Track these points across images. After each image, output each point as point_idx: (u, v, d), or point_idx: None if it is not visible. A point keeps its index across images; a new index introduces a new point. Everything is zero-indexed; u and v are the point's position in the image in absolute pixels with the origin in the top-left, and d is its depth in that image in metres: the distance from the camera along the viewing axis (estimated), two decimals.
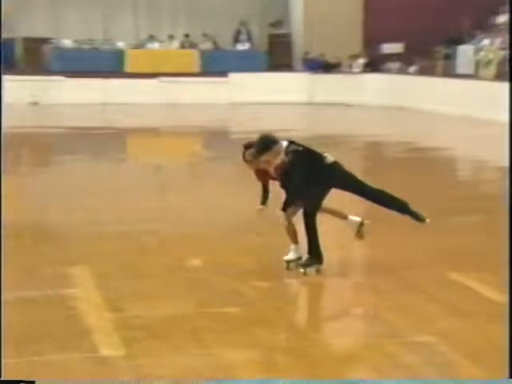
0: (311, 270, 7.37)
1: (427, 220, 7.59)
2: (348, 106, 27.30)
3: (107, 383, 4.96)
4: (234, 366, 5.44)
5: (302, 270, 7.38)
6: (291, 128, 20.33)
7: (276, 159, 7.35)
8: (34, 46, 27.65)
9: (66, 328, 6.10)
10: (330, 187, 7.47)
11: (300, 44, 30.49)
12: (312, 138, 20.36)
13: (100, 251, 8.37)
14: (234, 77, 28.22)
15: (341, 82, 28.50)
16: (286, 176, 7.45)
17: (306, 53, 30.19)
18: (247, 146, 7.51)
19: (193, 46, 29.81)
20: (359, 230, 7.82)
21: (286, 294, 7.22)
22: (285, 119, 24.46)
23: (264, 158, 7.30)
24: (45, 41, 28.02)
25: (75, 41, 28.59)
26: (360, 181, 7.57)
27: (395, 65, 28.70)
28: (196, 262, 7.88)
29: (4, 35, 28.06)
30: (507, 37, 22.80)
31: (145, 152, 18.70)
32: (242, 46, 30.32)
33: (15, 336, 5.89)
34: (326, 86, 28.42)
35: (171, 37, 29.83)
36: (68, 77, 26.57)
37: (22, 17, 28.69)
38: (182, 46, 29.86)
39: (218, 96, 27.55)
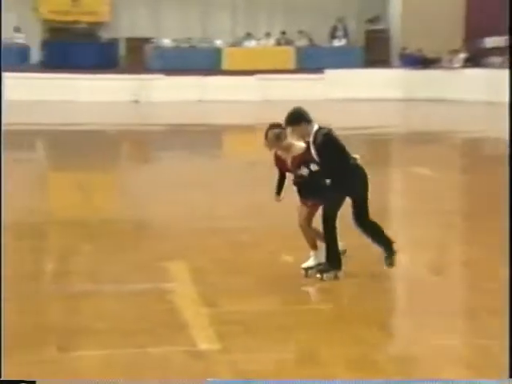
0: (329, 275, 7.06)
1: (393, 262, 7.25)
2: (447, 101, 26.84)
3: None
4: (328, 363, 5.43)
5: (318, 276, 7.06)
6: (388, 124, 20.14)
7: (297, 146, 7.08)
8: (136, 45, 28.19)
9: (164, 321, 6.21)
10: (349, 190, 7.05)
11: (397, 39, 30.16)
12: (409, 135, 20.14)
13: (196, 246, 8.50)
14: (329, 73, 28.13)
15: (440, 77, 28.04)
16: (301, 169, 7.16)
17: (404, 48, 29.83)
18: (273, 126, 7.26)
19: (289, 43, 29.86)
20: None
21: (378, 292, 7.15)
22: (381, 116, 24.24)
23: (286, 141, 7.05)
24: (146, 40, 28.55)
25: (174, 40, 29.03)
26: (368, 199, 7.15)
27: (498, 59, 27.94)
28: (289, 258, 7.89)
29: (108, 35, 28.80)
30: None
31: (240, 149, 18.83)
32: (339, 42, 30.20)
33: (117, 327, 6.04)
34: (424, 82, 28.02)
35: (268, 34, 29.95)
36: (167, 75, 26.98)
37: (125, 17, 29.30)
38: (278, 43, 29.95)
39: (314, 92, 27.49)
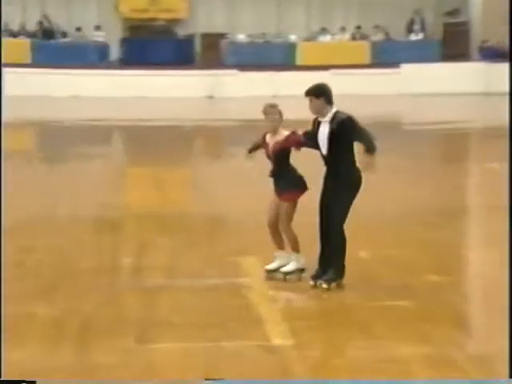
0: (334, 285, 6.76)
1: None
2: None
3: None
4: (405, 360, 5.38)
5: (325, 286, 6.73)
6: (466, 119, 19.82)
7: (282, 132, 6.96)
8: (212, 41, 28.37)
9: (238, 316, 6.25)
10: (358, 188, 6.76)
11: (477, 32, 29.61)
12: (487, 130, 19.77)
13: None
14: (406, 67, 27.82)
15: None
16: (279, 159, 6.98)
17: (484, 41, 29.27)
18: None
19: (364, 37, 29.64)
20: (296, 273, 7.08)
21: (458, 289, 7.05)
22: (459, 110, 23.86)
23: (279, 119, 6.95)
24: (221, 36, 28.71)
25: (249, 35, 29.12)
26: None
27: None
28: (364, 253, 7.85)
29: (184, 32, 29.10)
30: None
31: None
32: (416, 36, 29.82)
33: (192, 321, 6.11)
34: (505, 76, 27.42)
35: (343, 29, 29.80)
36: (241, 70, 27.08)
37: (202, 14, 29.52)
38: (354, 38, 29.76)
39: (389, 87, 27.24)
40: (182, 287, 6.91)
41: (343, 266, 6.79)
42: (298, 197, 7.11)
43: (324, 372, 5.28)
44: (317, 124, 6.80)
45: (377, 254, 7.84)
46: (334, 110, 6.75)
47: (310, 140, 6.89)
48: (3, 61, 25.06)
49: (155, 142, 17.74)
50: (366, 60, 28.62)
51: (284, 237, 7.11)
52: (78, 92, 24.94)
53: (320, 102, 6.72)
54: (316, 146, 6.85)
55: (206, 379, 4.89)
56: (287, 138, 7.05)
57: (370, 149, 6.60)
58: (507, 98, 26.05)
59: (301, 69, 27.75)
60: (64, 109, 23.25)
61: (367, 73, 27.69)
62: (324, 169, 6.84)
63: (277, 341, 5.80)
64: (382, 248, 7.80)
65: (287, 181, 7.09)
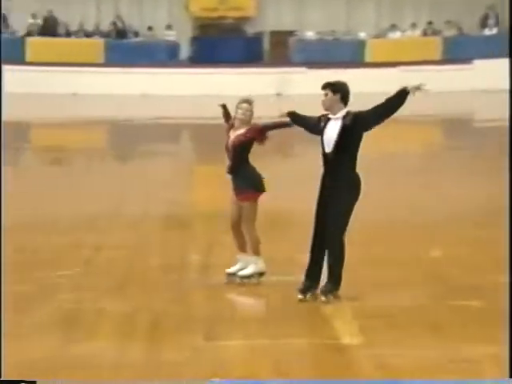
0: (332, 297, 6.44)
1: None
2: None
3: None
4: (477, 360, 5.27)
5: (323, 299, 6.39)
6: None
7: (245, 126, 6.85)
8: (280, 39, 28.38)
9: (307, 314, 6.23)
10: (358, 194, 6.55)
11: None
12: None
13: None
14: (479, 63, 27.33)
15: None
16: (238, 152, 6.86)
17: None
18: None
19: (436, 33, 29.22)
20: (255, 276, 6.93)
21: None
22: None
23: (248, 114, 6.81)
24: (290, 34, 28.69)
25: (318, 32, 29.03)
26: None
27: None
28: (433, 253, 7.74)
29: (253, 30, 29.19)
30: None
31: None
32: (490, 31, 29.27)
33: (260, 319, 6.10)
34: None
35: (414, 25, 29.44)
36: (309, 68, 27.02)
37: (271, 12, 29.56)
38: (425, 34, 29.37)
39: (461, 83, 26.80)
40: (248, 285, 6.90)
41: (341, 277, 6.47)
42: (257, 197, 6.94)
43: (392, 371, 5.21)
44: (324, 121, 6.56)
45: (447, 254, 7.72)
46: (346, 109, 6.57)
47: (308, 126, 6.77)
48: (77, 60, 25.55)
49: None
50: (438, 56, 28.21)
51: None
52: (147, 91, 25.23)
53: (335, 98, 6.55)
54: (307, 127, 6.79)
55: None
56: (247, 130, 6.93)
57: (400, 93, 6.52)
58: None
59: (369, 66, 27.55)
60: (134, 107, 23.54)
61: (438, 69, 27.28)
62: (322, 170, 6.56)
63: (346, 339, 5.75)
64: (453, 247, 7.68)
65: (245, 179, 6.90)
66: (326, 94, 6.55)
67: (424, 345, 5.56)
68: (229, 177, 6.96)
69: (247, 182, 6.88)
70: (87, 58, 26.28)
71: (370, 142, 18.48)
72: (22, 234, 8.66)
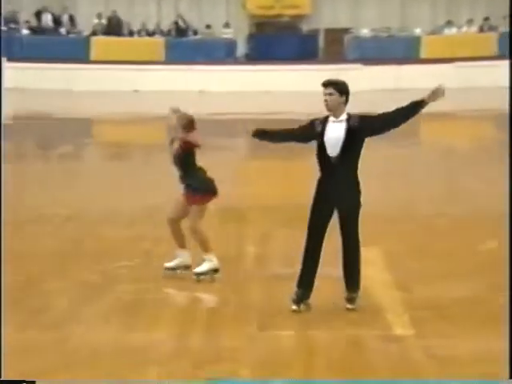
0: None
1: None
2: None
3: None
4: None
5: (351, 307, 6.07)
6: None
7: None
8: (335, 36, 28.25)
9: (360, 305, 6.19)
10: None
11: None
12: None
13: (391, 232, 8.42)
14: None
15: None
16: (182, 161, 6.81)
17: None
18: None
19: (493, 29, 28.74)
20: (209, 273, 6.85)
21: None
22: None
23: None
24: (345, 31, 28.55)
25: (372, 29, 28.83)
26: None
27: None
28: (487, 245, 7.63)
29: (308, 27, 29.11)
30: None
31: (439, 136, 18.42)
32: None
33: (313, 310, 6.10)
34: None
35: (470, 21, 29.01)
36: (364, 64, 26.83)
37: (326, 10, 29.44)
38: (481, 30, 28.91)
39: None
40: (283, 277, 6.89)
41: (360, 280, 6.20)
42: (206, 201, 6.95)
43: (448, 362, 5.17)
44: (321, 125, 6.04)
45: (499, 245, 7.61)
46: (345, 111, 6.09)
47: (295, 137, 6.34)
48: (139, 58, 25.80)
49: None
50: (494, 52, 27.75)
51: (195, 238, 6.91)
52: (206, 87, 25.34)
53: (342, 100, 6.01)
54: (294, 138, 6.37)
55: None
56: (181, 139, 6.91)
57: (415, 104, 6.13)
58: None
59: (424, 62, 27.24)
60: (192, 103, 23.68)
61: (493, 65, 26.85)
62: (320, 174, 6.12)
63: (398, 330, 5.73)
64: (505, 239, 7.54)
65: (193, 184, 6.92)
66: (331, 94, 6.00)
67: (474, 336, 5.51)
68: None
69: (195, 186, 6.92)
70: (148, 56, 26.53)
71: (428, 136, 18.29)
72: (84, 226, 8.80)
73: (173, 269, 6.98)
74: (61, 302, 6.43)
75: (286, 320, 5.89)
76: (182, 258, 6.99)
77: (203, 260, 6.92)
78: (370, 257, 7.51)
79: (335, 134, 5.96)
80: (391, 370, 5.11)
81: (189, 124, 6.99)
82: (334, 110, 6.01)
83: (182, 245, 7.00)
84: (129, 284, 6.79)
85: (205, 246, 6.89)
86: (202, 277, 6.86)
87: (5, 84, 23.63)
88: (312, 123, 6.09)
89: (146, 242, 8.13)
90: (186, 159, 6.96)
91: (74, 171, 12.92)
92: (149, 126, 19.84)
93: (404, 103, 6.13)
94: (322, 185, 6.05)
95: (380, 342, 5.54)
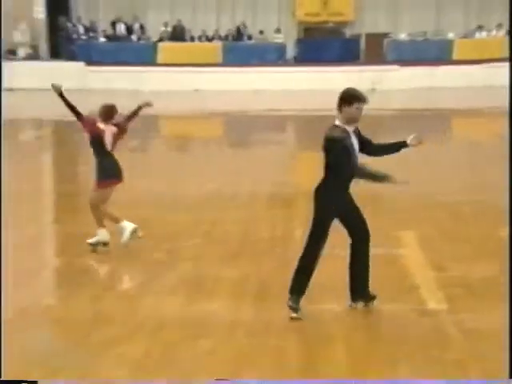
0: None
1: None
2: None
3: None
4: None
5: (372, 304, 5.58)
6: None
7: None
8: (375, 40, 28.06)
9: (396, 283, 6.16)
10: None
11: None
12: None
13: (424, 218, 8.34)
14: None
15: None
16: (92, 147, 6.85)
17: None
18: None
19: None
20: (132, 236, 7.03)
21: None
22: None
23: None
24: (384, 35, 28.36)
25: (409, 34, 28.58)
26: None
27: None
28: (503, 232, 7.49)
29: (351, 32, 28.93)
30: None
31: (468, 131, 18.13)
32: None
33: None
34: None
35: (499, 25, 28.46)
36: (402, 65, 26.57)
37: (367, 16, 29.24)
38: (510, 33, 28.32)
39: None
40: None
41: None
42: (109, 185, 7.00)
43: (478, 335, 5.10)
44: (349, 139, 5.38)
45: None
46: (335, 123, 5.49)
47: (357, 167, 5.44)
48: (199, 61, 25.90)
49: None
50: None
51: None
52: (259, 87, 25.35)
53: (343, 111, 5.37)
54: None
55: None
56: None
57: (398, 145, 5.60)
58: None
59: (456, 63, 26.89)
60: (247, 101, 23.69)
61: None
62: (344, 185, 5.52)
63: (432, 305, 5.67)
64: None
65: (99, 170, 7.01)
66: (362, 108, 5.39)
67: (501, 311, 5.42)
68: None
69: (101, 172, 7.01)
70: (208, 59, 26.65)
71: (458, 131, 17.96)
72: (151, 211, 8.88)
73: (94, 245, 7.09)
74: (130, 277, 6.51)
75: (328, 295, 5.86)
76: (100, 235, 7.11)
77: (96, 234, 7.09)
78: (406, 240, 7.47)
79: (355, 143, 5.46)
80: (425, 340, 5.06)
81: (105, 113, 7.03)
82: (350, 122, 5.40)
83: (100, 224, 7.12)
84: (190, 261, 6.83)
85: (114, 219, 7.09)
86: (92, 247, 7.04)
87: (88, 85, 24.10)
88: (347, 146, 5.36)
89: (205, 224, 8.18)
90: (94, 146, 7.06)
91: (142, 162, 13.03)
92: (207, 121, 19.92)
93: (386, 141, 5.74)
94: (344, 194, 5.48)
95: (415, 315, 5.49)
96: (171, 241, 7.49)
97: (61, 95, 6.98)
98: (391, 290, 5.96)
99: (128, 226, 7.06)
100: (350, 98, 5.36)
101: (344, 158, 5.31)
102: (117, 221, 7.09)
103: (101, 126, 7.00)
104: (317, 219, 5.46)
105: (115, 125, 7.06)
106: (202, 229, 7.98)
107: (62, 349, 5.02)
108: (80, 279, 6.38)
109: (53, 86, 6.99)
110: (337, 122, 5.41)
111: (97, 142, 7.02)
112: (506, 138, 12.35)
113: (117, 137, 7.06)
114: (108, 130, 7.00)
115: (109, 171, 7.02)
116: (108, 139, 7.00)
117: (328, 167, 5.42)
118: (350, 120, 5.36)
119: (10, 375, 4.52)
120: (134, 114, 7.34)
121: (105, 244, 7.12)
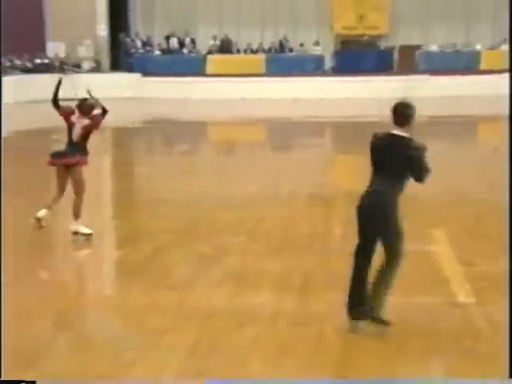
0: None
1: None
2: None
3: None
4: None
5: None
6: None
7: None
8: (408, 52, 27.86)
9: (429, 277, 6.08)
10: None
11: None
12: None
13: (452, 216, 8.23)
14: None
15: None
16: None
17: None
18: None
19: None
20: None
21: None
22: None
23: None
24: (417, 47, 28.17)
25: (440, 45, 28.36)
26: None
27: None
28: None
29: (385, 45, 28.75)
30: None
31: (492, 135, 17.84)
32: None
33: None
34: None
35: None
36: (432, 75, 26.34)
37: (401, 30, 29.11)
38: None
39: None
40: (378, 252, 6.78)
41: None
42: (49, 164, 7.36)
43: (502, 325, 4.98)
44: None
45: None
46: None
47: None
48: (245, 72, 25.97)
49: (359, 135, 17.57)
50: None
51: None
52: (299, 95, 25.30)
53: (409, 126, 5.31)
54: None
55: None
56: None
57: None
58: None
59: (482, 73, 26.64)
60: (288, 109, 23.65)
61: None
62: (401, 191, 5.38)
63: (461, 298, 5.58)
64: None
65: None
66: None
67: None
68: None
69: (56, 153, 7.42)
70: (252, 70, 26.74)
71: (483, 135, 17.67)
72: (200, 210, 8.90)
73: (75, 233, 7.28)
74: (181, 270, 6.53)
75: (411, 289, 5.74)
76: (78, 225, 7.31)
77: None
78: (436, 236, 7.35)
79: None
80: (455, 330, 4.97)
81: (84, 108, 7.31)
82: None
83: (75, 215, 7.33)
84: (236, 256, 6.82)
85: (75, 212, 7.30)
86: (75, 236, 7.25)
87: (144, 94, 24.44)
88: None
89: (249, 222, 8.16)
90: (67, 132, 7.35)
91: (192, 164, 13.09)
92: (252, 127, 19.92)
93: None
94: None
95: (446, 307, 5.40)
96: (218, 237, 7.49)
97: (59, 83, 7.45)
98: (421, 283, 5.88)
99: (45, 215, 7.31)
100: (415, 112, 5.26)
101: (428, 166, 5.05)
102: (48, 207, 7.32)
103: (73, 118, 7.31)
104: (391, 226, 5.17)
105: (90, 118, 7.33)
106: (246, 226, 7.96)
107: (120, 335, 5.05)
108: (136, 271, 6.42)
109: (65, 69, 7.52)
110: (403, 134, 5.20)
111: (68, 130, 7.38)
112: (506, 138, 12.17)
113: (88, 128, 7.30)
114: (79, 123, 7.30)
115: (56, 153, 7.38)
116: (77, 131, 7.29)
117: (402, 176, 5.16)
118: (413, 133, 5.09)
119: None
120: (103, 110, 7.47)
121: (90, 235, 7.29)
